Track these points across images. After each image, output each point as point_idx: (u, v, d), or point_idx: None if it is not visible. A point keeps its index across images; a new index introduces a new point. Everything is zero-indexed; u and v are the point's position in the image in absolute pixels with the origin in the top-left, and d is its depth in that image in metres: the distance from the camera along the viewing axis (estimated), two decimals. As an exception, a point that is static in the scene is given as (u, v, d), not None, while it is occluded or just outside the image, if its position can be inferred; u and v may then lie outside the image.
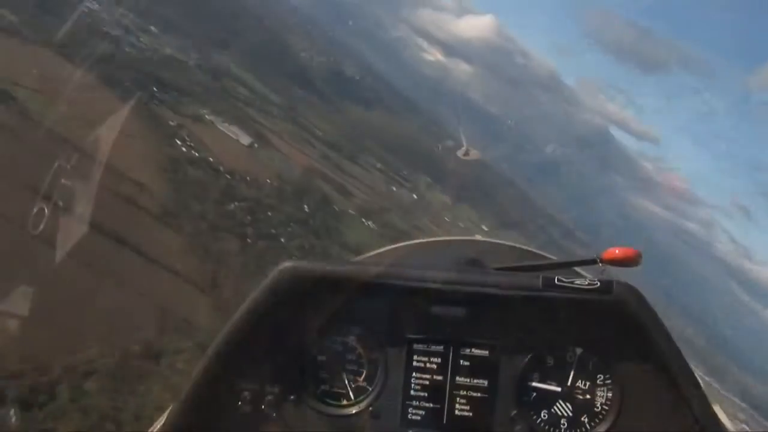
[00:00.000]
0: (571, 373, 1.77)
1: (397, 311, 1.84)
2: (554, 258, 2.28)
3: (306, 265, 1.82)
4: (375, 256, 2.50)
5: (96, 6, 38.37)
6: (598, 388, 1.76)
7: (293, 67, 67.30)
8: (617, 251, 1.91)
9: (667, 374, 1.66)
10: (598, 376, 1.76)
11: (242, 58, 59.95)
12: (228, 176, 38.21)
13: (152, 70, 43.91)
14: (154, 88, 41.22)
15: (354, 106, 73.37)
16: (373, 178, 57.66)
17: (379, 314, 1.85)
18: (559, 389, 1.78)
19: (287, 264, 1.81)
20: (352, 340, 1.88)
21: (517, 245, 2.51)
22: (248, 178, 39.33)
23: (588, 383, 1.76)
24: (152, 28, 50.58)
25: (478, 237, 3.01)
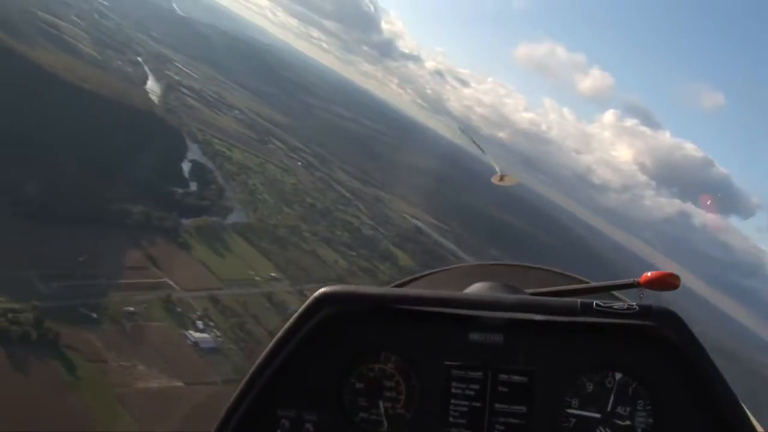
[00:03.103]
0: (611, 399, 1.71)
1: (435, 338, 1.80)
2: (590, 282, 2.21)
3: (343, 289, 1.83)
4: (410, 282, 2.40)
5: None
6: (639, 414, 1.69)
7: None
8: (650, 274, 1.83)
9: (709, 400, 1.64)
10: (639, 401, 1.70)
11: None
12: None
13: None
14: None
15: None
16: None
17: (416, 341, 1.82)
18: (599, 415, 1.71)
19: (325, 289, 1.82)
20: (390, 366, 1.83)
21: (552, 268, 2.44)
22: None
23: (628, 409, 1.70)
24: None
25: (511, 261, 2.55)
